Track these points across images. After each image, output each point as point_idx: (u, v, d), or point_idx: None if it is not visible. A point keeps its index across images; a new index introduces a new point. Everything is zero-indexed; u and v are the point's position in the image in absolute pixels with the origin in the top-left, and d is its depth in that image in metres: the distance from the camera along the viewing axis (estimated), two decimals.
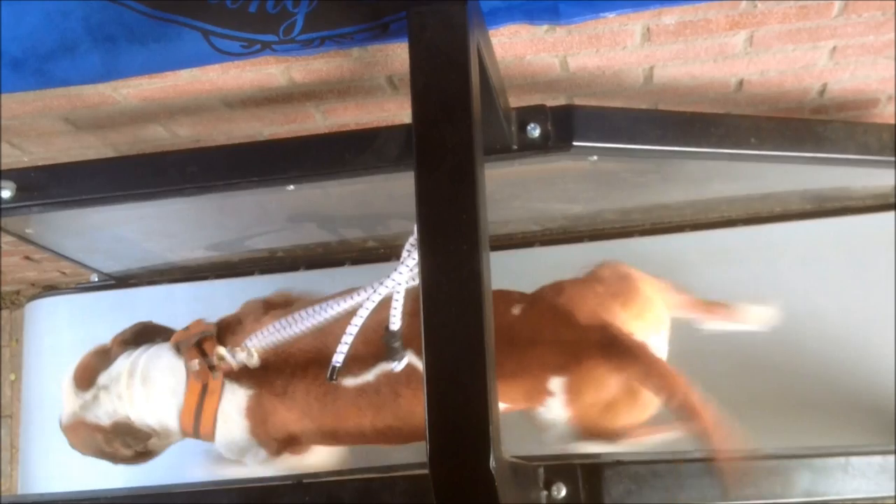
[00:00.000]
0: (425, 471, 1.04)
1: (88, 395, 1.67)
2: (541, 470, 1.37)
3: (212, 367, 1.60)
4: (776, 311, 1.77)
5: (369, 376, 1.56)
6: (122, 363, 1.68)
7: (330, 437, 1.65)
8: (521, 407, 1.59)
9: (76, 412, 1.68)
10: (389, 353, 1.40)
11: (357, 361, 1.48)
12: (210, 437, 1.67)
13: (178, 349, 1.63)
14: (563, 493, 1.36)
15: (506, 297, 1.61)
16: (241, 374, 1.61)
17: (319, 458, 1.72)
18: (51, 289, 2.69)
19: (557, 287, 1.62)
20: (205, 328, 1.64)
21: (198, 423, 1.64)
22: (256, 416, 1.62)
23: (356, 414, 1.59)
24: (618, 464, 1.41)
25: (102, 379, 1.68)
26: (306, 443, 1.67)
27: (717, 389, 1.93)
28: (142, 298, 2.29)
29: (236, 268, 2.36)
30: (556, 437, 1.60)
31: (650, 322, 1.59)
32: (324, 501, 1.44)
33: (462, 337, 1.02)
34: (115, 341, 1.75)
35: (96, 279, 2.40)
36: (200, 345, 1.62)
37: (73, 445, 1.72)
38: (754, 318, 1.78)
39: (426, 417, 1.00)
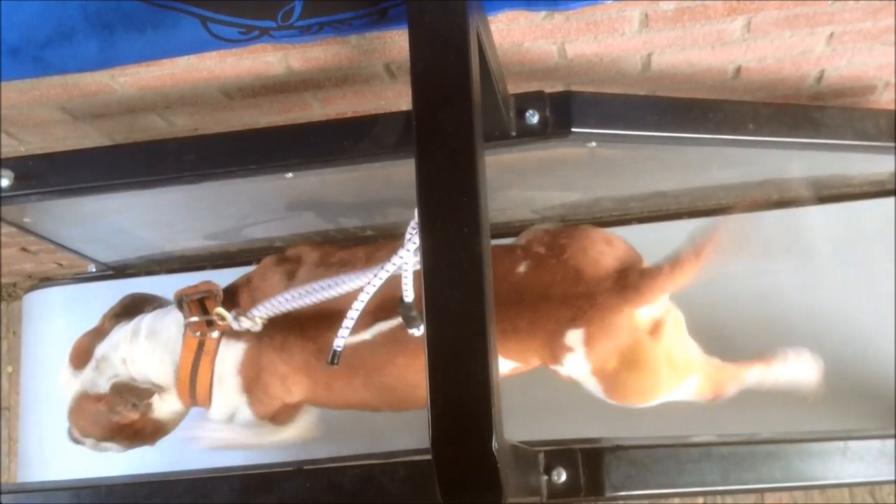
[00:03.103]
0: (425, 456, 1.04)
1: (87, 369, 1.68)
2: (541, 455, 1.37)
3: (210, 324, 1.60)
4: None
5: (367, 335, 1.56)
6: (121, 331, 1.69)
7: (323, 395, 1.66)
8: (535, 366, 1.60)
9: (77, 391, 1.68)
10: (407, 322, 1.41)
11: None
12: (206, 401, 1.67)
13: (180, 303, 1.63)
14: (564, 477, 1.36)
15: (508, 256, 1.60)
16: (239, 333, 1.62)
17: (296, 431, 1.72)
18: (48, 280, 2.69)
19: (561, 245, 1.60)
20: (211, 287, 1.63)
21: (193, 385, 1.64)
22: (250, 372, 1.62)
23: (349, 372, 1.59)
24: (617, 448, 1.42)
25: (100, 351, 1.68)
26: (299, 400, 1.68)
27: None
28: (139, 288, 2.28)
29: (234, 258, 2.36)
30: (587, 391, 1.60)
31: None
32: (324, 487, 1.45)
33: (464, 320, 1.02)
34: (107, 317, 1.75)
35: (94, 269, 2.39)
36: (203, 302, 1.61)
37: (82, 432, 1.72)
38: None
39: (428, 401, 1.00)
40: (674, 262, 1.49)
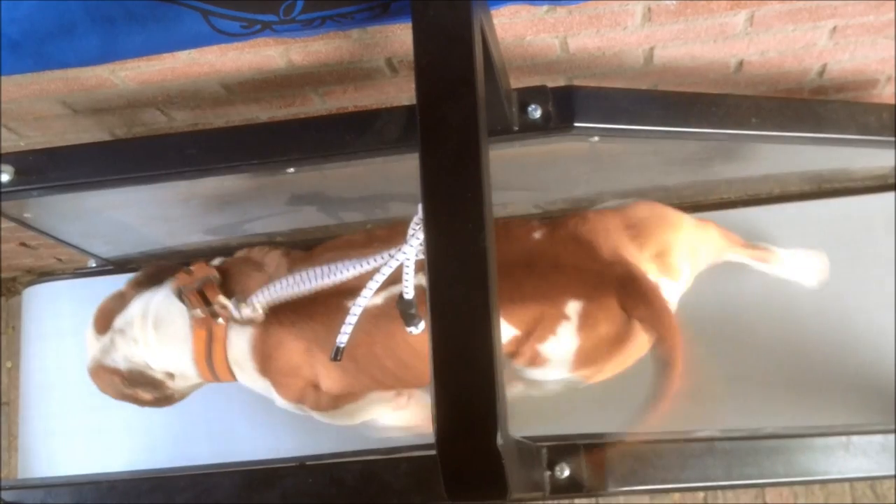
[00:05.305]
0: (428, 451, 1.04)
1: (106, 338, 1.70)
2: (544, 450, 1.37)
3: (214, 315, 1.60)
4: (825, 261, 1.80)
5: (378, 300, 1.57)
6: (136, 306, 1.70)
7: (346, 370, 1.66)
8: (531, 339, 1.60)
9: (96, 357, 1.71)
10: (406, 320, 1.41)
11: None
12: (230, 378, 1.69)
13: (179, 295, 1.63)
14: (566, 473, 1.36)
15: (526, 223, 1.63)
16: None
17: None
18: (48, 275, 2.68)
19: (581, 217, 1.64)
20: (207, 272, 1.64)
21: (212, 368, 1.67)
22: (263, 353, 1.64)
23: (366, 341, 1.59)
24: (620, 444, 1.41)
25: (118, 322, 1.70)
26: (320, 382, 1.69)
27: (718, 368, 1.94)
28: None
29: (235, 253, 2.35)
30: (554, 373, 1.63)
31: (665, 268, 1.61)
32: (327, 483, 1.45)
33: (469, 315, 1.01)
34: (130, 284, 1.77)
35: (94, 265, 2.39)
36: (203, 291, 1.62)
37: (99, 389, 1.75)
38: (801, 267, 1.80)
39: (432, 398, 1.00)
40: (671, 351, 1.50)
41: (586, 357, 1.58)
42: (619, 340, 1.57)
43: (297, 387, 1.67)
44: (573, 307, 1.53)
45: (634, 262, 1.57)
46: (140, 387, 1.70)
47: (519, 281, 1.54)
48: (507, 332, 1.58)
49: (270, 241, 2.36)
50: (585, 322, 1.53)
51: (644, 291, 1.54)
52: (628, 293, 1.53)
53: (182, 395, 1.80)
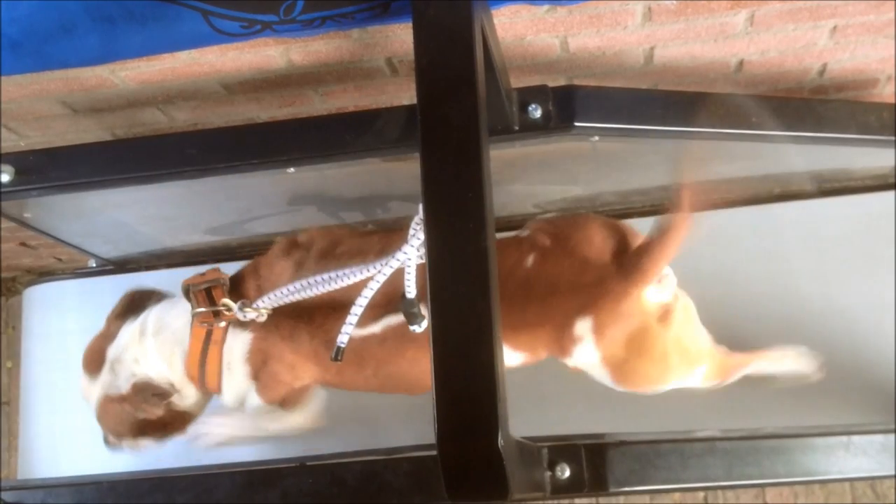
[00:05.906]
0: (429, 452, 1.04)
1: (104, 373, 1.68)
2: (544, 450, 1.37)
3: (217, 314, 1.60)
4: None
5: (376, 328, 1.56)
6: (128, 331, 1.68)
7: (333, 381, 1.66)
8: (543, 357, 1.59)
9: (99, 395, 1.68)
10: (409, 319, 1.40)
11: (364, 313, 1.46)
12: (216, 388, 1.67)
13: (187, 292, 1.63)
14: (567, 473, 1.36)
15: (516, 247, 1.59)
16: (245, 322, 1.62)
17: (303, 420, 1.72)
18: (48, 275, 2.68)
19: (557, 224, 1.60)
20: (218, 276, 1.63)
21: (202, 372, 1.64)
22: (258, 359, 1.62)
23: (359, 362, 1.59)
24: (621, 444, 1.41)
25: (111, 353, 1.68)
26: (308, 385, 1.68)
27: None
28: (140, 284, 2.28)
29: (236, 252, 2.35)
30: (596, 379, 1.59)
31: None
32: (327, 483, 1.45)
33: (469, 316, 1.01)
34: (110, 319, 1.75)
35: (94, 265, 2.39)
36: (210, 292, 1.61)
37: (110, 432, 1.72)
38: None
39: (433, 398, 1.00)
40: (663, 227, 1.47)
41: (618, 365, 1.56)
42: (639, 339, 1.53)
43: (280, 392, 1.66)
44: (582, 326, 1.51)
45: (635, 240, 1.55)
46: (148, 399, 1.66)
47: (521, 311, 1.51)
48: (517, 357, 1.58)
49: (272, 241, 2.36)
50: (599, 334, 1.51)
51: (639, 247, 1.51)
52: (632, 263, 1.48)
53: (192, 412, 1.75)
